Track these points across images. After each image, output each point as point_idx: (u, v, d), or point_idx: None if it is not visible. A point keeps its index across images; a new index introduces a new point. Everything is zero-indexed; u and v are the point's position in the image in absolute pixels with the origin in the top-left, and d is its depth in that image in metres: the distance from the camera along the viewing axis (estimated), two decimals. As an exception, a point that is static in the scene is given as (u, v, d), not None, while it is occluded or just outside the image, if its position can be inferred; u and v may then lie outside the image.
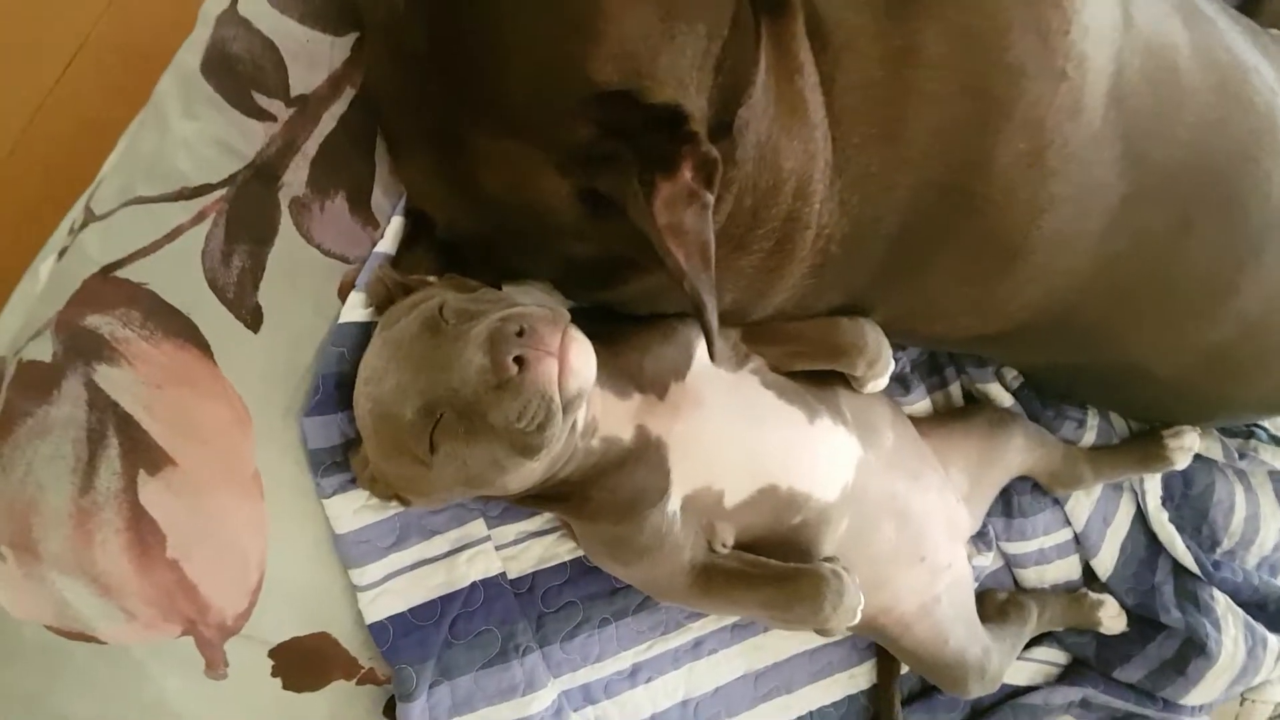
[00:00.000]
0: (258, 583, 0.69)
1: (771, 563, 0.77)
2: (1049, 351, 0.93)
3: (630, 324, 0.77)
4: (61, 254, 0.70)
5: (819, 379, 0.84)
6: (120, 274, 0.66)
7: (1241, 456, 1.09)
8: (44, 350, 0.65)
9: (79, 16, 1.14)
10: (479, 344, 0.59)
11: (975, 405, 1.03)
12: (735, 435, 0.75)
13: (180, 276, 0.66)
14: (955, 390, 1.05)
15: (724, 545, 0.77)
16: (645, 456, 0.73)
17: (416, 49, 0.63)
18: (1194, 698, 1.04)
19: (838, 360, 0.81)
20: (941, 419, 1.01)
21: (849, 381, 0.84)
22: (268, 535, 0.69)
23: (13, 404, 0.64)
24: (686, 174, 0.60)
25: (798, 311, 0.81)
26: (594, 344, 0.66)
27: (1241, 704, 1.14)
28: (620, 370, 0.74)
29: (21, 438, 0.63)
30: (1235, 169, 0.80)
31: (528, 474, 0.67)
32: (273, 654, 0.70)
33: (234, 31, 0.69)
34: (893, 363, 0.83)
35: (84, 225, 0.69)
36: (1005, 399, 1.03)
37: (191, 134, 0.67)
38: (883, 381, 0.84)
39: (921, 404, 1.01)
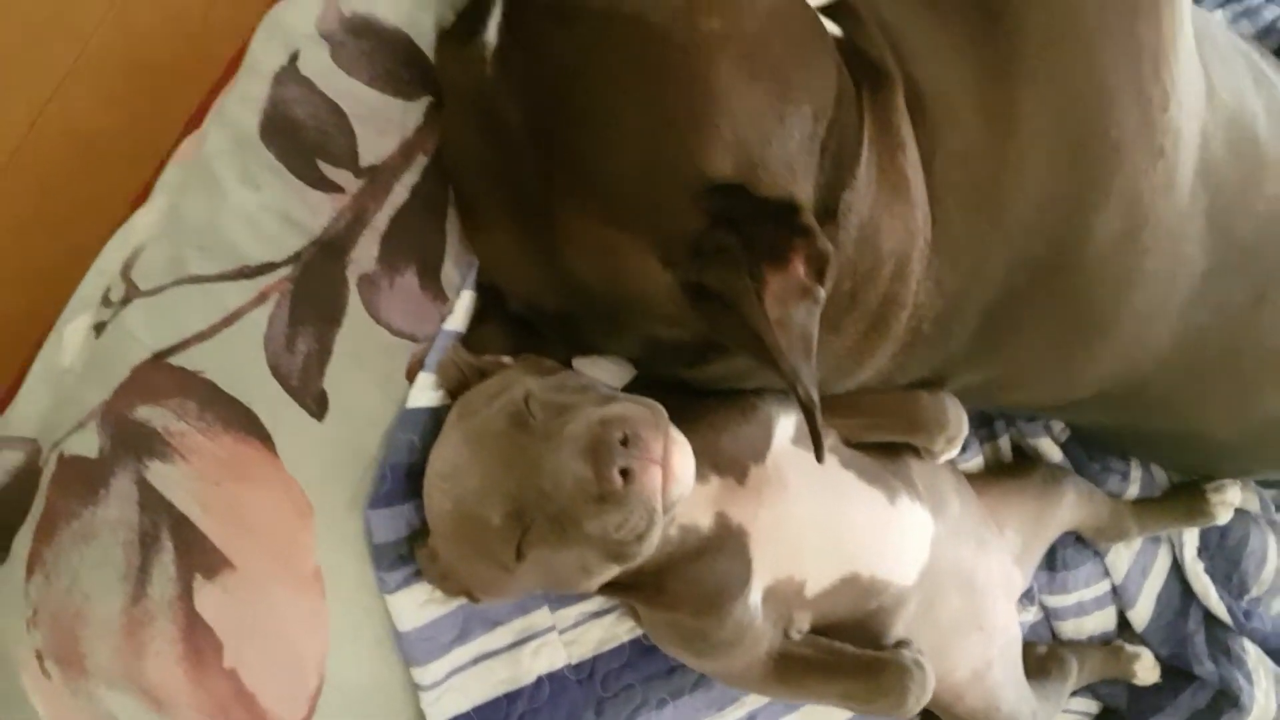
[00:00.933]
0: (317, 688, 0.64)
1: (850, 650, 0.74)
2: (1114, 416, 0.91)
3: (707, 399, 0.73)
4: (99, 328, 0.64)
5: (888, 449, 0.80)
6: (174, 361, 0.60)
7: (1278, 509, 1.09)
8: (89, 444, 0.60)
9: (79, 24, 1.08)
10: (578, 450, 0.55)
11: (1029, 463, 1.01)
12: (819, 521, 0.72)
13: (240, 363, 0.61)
14: (1004, 444, 1.03)
15: (799, 632, 0.74)
16: (725, 545, 0.69)
17: (508, 120, 0.58)
18: None
19: (917, 435, 0.78)
20: (996, 476, 0.99)
21: (918, 451, 0.81)
22: (329, 636, 0.64)
23: (55, 504, 0.59)
24: (799, 268, 0.57)
25: (880, 386, 0.78)
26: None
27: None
28: (697, 452, 0.70)
29: (66, 542, 0.58)
30: None
31: (611, 574, 0.63)
32: (333, 761, 0.66)
33: (296, 92, 0.63)
34: (965, 431, 0.81)
35: (126, 300, 0.63)
36: (1055, 454, 1.02)
37: (252, 206, 0.62)
38: (955, 452, 0.81)
39: (975, 460, 0.99)
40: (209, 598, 0.60)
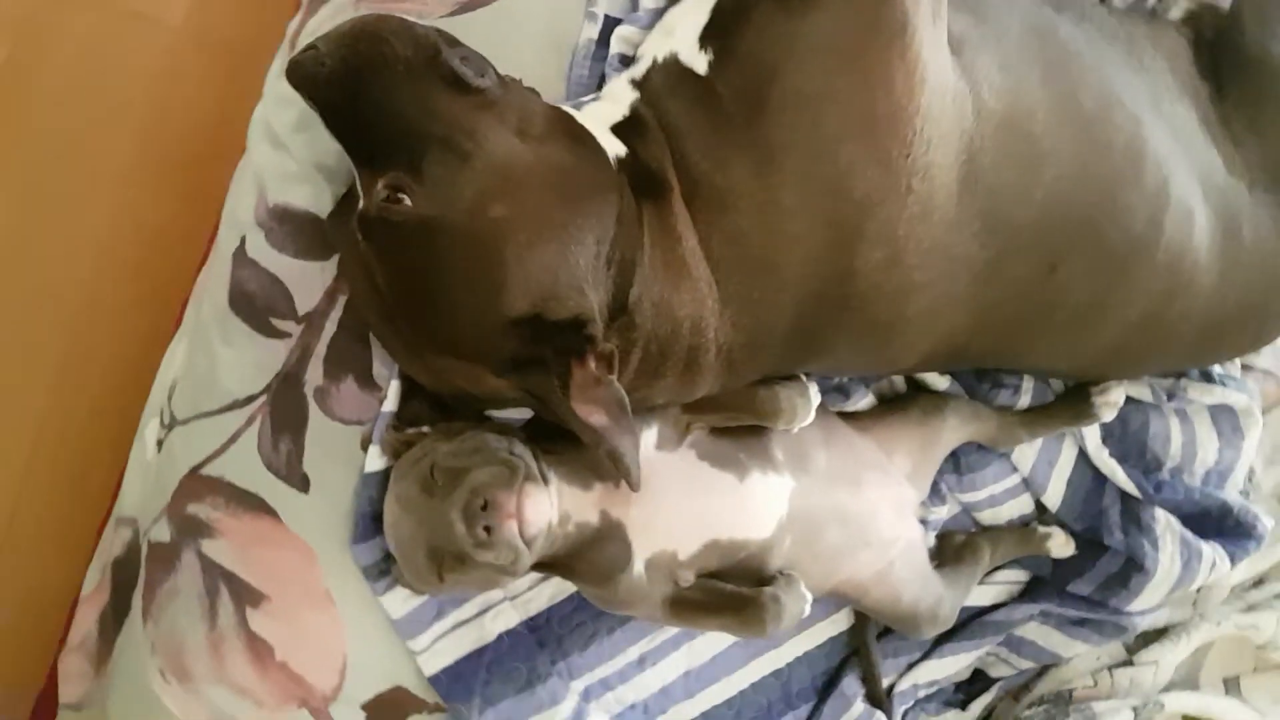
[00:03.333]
0: (343, 664, 0.95)
1: (726, 590, 0.99)
2: (957, 366, 1.10)
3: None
4: (160, 444, 0.96)
5: (754, 429, 1.04)
6: (203, 472, 0.91)
7: (1171, 397, 1.23)
8: (163, 533, 0.92)
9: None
10: (458, 514, 0.82)
11: (910, 395, 1.19)
12: (679, 506, 0.96)
13: (245, 466, 0.91)
14: (898, 379, 1.22)
15: (687, 581, 1.00)
16: (610, 534, 0.95)
17: (378, 283, 0.82)
18: (1136, 605, 1.20)
19: (764, 420, 1.01)
20: (881, 413, 1.17)
21: None
22: (344, 630, 0.95)
23: (151, 575, 0.91)
24: (591, 365, 0.80)
25: (729, 387, 1.00)
26: (561, 445, 0.88)
27: (1199, 591, 1.32)
28: (584, 466, 0.95)
29: (163, 599, 0.91)
30: (1095, 210, 0.92)
31: (516, 579, 0.91)
32: (364, 707, 0.97)
33: (247, 272, 0.91)
34: (812, 411, 1.02)
35: (171, 426, 0.94)
36: (941, 383, 1.18)
37: (232, 359, 0.91)
38: (806, 424, 1.03)
39: (865, 400, 1.17)
40: (258, 620, 0.92)
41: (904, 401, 1.18)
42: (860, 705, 1.18)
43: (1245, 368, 1.35)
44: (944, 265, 0.89)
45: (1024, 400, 1.19)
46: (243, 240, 0.91)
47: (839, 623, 1.22)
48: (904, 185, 0.84)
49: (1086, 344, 1.05)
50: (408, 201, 0.75)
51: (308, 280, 0.91)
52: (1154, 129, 0.97)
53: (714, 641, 1.15)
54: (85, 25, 1.30)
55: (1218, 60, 1.06)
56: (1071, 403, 1.18)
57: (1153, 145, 0.95)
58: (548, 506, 0.87)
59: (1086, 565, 1.23)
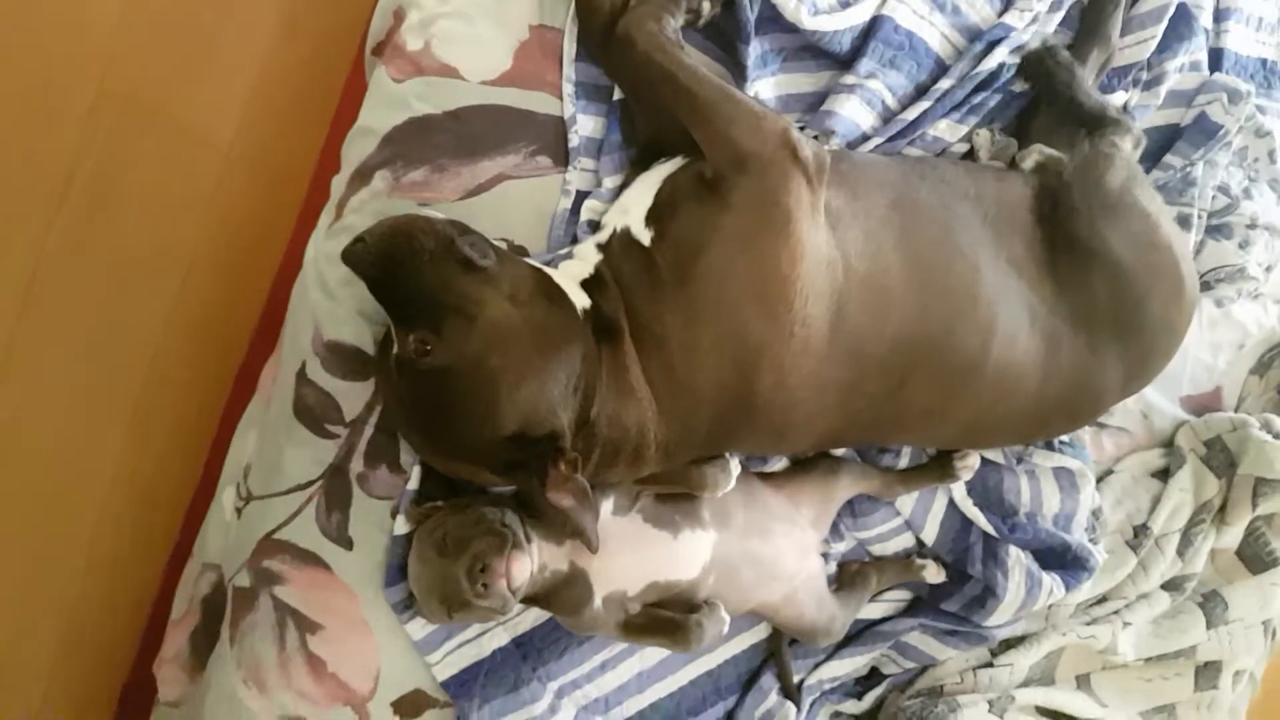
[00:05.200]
0: (377, 673, 1.28)
1: (664, 616, 1.32)
2: (841, 448, 1.43)
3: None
4: (239, 511, 1.28)
5: (688, 496, 1.36)
6: (276, 536, 1.23)
7: (1020, 460, 1.54)
8: (244, 580, 1.24)
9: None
10: (463, 572, 1.14)
11: (814, 459, 1.46)
12: (627, 558, 1.28)
13: (306, 532, 1.23)
14: (806, 445, 1.53)
15: (635, 610, 1.33)
16: (576, 579, 1.27)
17: (403, 401, 1.11)
18: (991, 621, 1.50)
19: (695, 490, 1.32)
20: (791, 473, 1.46)
21: None
22: (378, 649, 1.27)
23: (237, 612, 1.24)
24: (562, 466, 1.10)
25: (668, 467, 1.31)
26: (540, 512, 1.21)
27: (1049, 607, 1.65)
28: (558, 526, 1.28)
29: (245, 629, 1.23)
30: (934, 341, 1.20)
31: (506, 615, 1.23)
32: (393, 705, 1.29)
33: (307, 389, 1.22)
34: (732, 482, 1.34)
35: (249, 499, 1.26)
36: (838, 450, 1.48)
37: (296, 455, 1.23)
38: (727, 490, 1.35)
39: (779, 464, 1.49)
40: (315, 643, 1.25)
41: (809, 464, 1.48)
42: (775, 696, 1.51)
43: (1099, 427, 1.68)
44: (818, 385, 1.16)
45: (903, 462, 1.50)
46: (303, 365, 1.23)
47: (758, 632, 1.53)
48: (788, 331, 1.12)
49: (933, 435, 1.35)
50: (431, 352, 1.06)
51: (353, 395, 1.22)
52: (988, 274, 1.26)
53: (660, 650, 1.47)
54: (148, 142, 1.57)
55: (1054, 217, 1.34)
56: (938, 465, 1.49)
57: (985, 287, 1.24)
58: (529, 565, 1.19)
59: (955, 589, 1.54)
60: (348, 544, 1.24)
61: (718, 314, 1.12)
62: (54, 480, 1.63)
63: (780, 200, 1.12)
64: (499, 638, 1.34)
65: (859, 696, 1.63)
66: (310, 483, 1.23)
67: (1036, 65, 1.42)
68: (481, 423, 1.07)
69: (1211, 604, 1.72)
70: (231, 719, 1.25)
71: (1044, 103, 1.46)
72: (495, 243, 1.12)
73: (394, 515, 1.25)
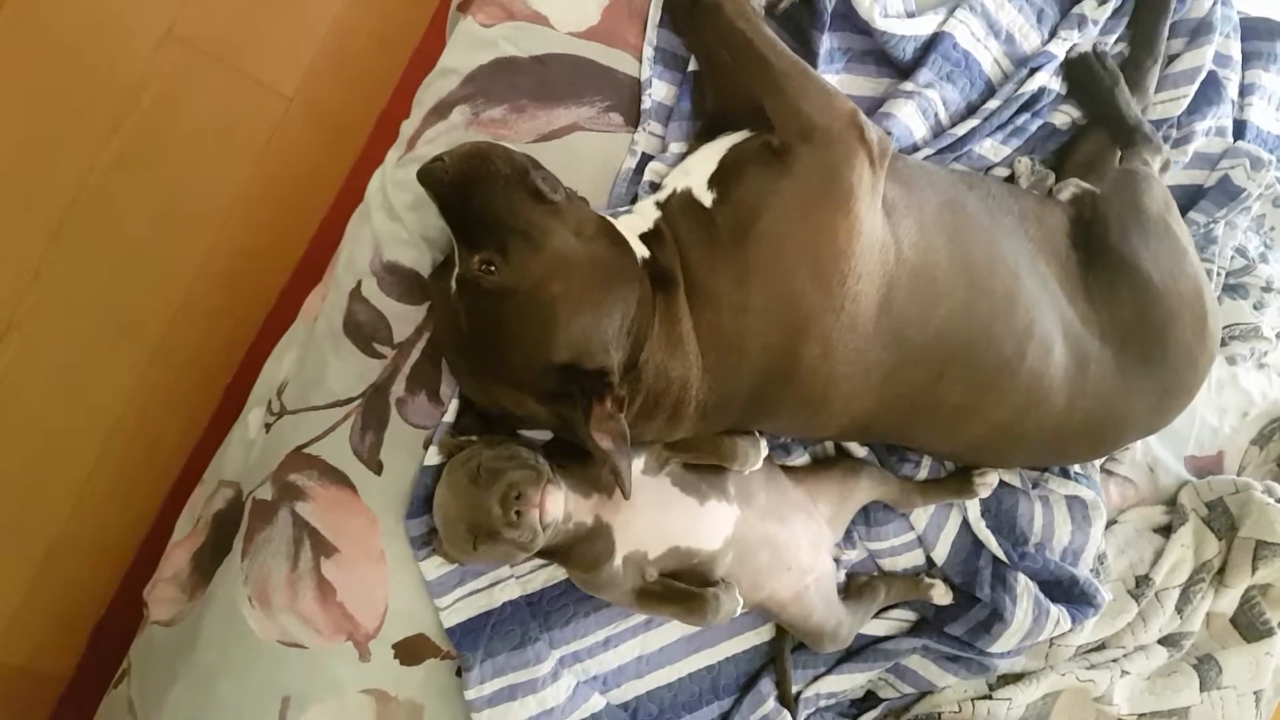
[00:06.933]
0: (384, 610, 1.24)
1: (680, 586, 1.30)
2: (867, 440, 1.44)
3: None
4: (268, 426, 1.25)
5: (716, 468, 1.35)
6: (307, 450, 1.21)
7: (1035, 485, 1.56)
8: (266, 492, 1.21)
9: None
10: (496, 501, 1.12)
11: (836, 458, 1.50)
12: (652, 518, 1.27)
13: (338, 450, 1.21)
14: (829, 445, 1.54)
15: (651, 577, 1.31)
16: (599, 533, 1.25)
17: (460, 325, 1.12)
18: (996, 648, 1.51)
19: (724, 462, 1.32)
20: (813, 468, 1.48)
21: None
22: (388, 584, 1.24)
23: (252, 524, 1.21)
24: (608, 404, 1.11)
25: (701, 433, 1.31)
26: (571, 460, 1.19)
27: (1051, 646, 1.66)
28: (586, 478, 1.26)
29: (259, 544, 1.20)
30: (974, 337, 1.23)
31: (529, 554, 1.21)
32: (394, 646, 1.26)
33: (360, 307, 1.22)
34: (761, 459, 1.34)
35: (281, 414, 1.24)
36: (860, 451, 1.49)
37: (340, 369, 1.21)
38: (754, 468, 1.35)
39: (802, 459, 1.48)
40: (328, 566, 1.21)
41: (830, 462, 1.50)
42: (771, 704, 1.48)
43: (1107, 474, 1.71)
44: (861, 364, 1.18)
45: (922, 473, 1.51)
46: (359, 283, 1.22)
47: (763, 634, 1.52)
48: (839, 304, 1.15)
49: (960, 435, 1.35)
50: (495, 272, 1.07)
51: (404, 318, 1.22)
52: (1028, 282, 1.30)
53: (663, 635, 1.44)
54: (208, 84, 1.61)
55: (1087, 239, 1.41)
56: (957, 480, 1.51)
57: (1025, 294, 1.29)
58: (561, 502, 1.17)
59: (961, 612, 1.54)
60: (378, 467, 1.22)
61: (772, 277, 1.14)
62: (59, 415, 1.60)
63: (844, 175, 1.16)
64: (510, 589, 1.31)
65: (854, 718, 1.60)
66: (350, 400, 1.21)
67: (1084, 68, 1.49)
68: (535, 346, 1.07)
69: (1206, 666, 1.73)
70: (229, 634, 1.21)
71: (1080, 106, 1.53)
72: None
73: (426, 446, 1.24)
